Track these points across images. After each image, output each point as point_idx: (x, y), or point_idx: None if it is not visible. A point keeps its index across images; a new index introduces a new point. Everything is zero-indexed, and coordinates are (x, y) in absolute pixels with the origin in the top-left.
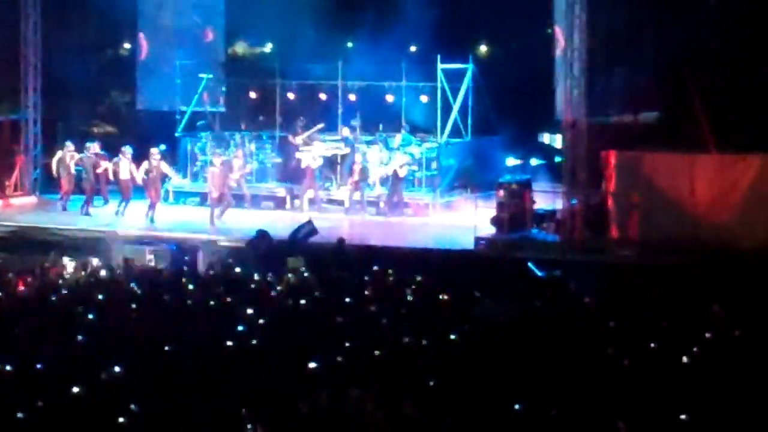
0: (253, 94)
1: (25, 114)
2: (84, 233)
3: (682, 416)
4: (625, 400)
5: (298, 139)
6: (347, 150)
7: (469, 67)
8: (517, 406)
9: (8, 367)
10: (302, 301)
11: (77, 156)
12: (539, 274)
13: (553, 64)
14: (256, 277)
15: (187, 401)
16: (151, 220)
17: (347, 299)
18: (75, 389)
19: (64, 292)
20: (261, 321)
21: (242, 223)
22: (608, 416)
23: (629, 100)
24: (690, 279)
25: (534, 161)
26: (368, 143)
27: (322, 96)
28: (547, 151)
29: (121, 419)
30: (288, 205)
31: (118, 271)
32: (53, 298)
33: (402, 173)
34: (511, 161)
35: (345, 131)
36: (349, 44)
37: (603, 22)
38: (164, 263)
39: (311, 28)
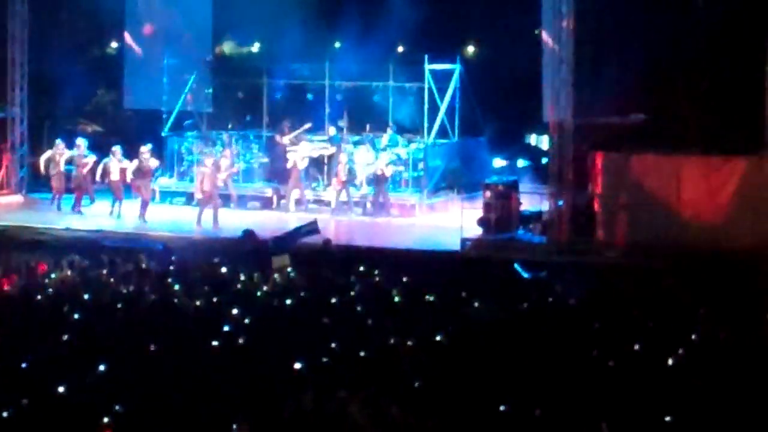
0: (240, 94)
1: (12, 112)
2: (71, 233)
3: (667, 418)
4: (610, 402)
5: (285, 139)
6: (334, 150)
7: (457, 68)
8: (502, 407)
9: None
10: (288, 302)
11: (68, 153)
12: (525, 275)
13: (540, 66)
14: (242, 277)
15: (172, 401)
16: (143, 220)
17: (333, 300)
18: (60, 388)
19: (50, 291)
20: (247, 321)
21: (228, 222)
22: (592, 417)
23: (616, 102)
24: (676, 281)
25: (521, 162)
26: (355, 143)
27: (309, 96)
28: (534, 153)
29: (106, 419)
30: (275, 205)
31: (104, 271)
32: (39, 298)
33: (387, 173)
34: (498, 162)
35: (332, 131)
36: (337, 44)
37: (590, 23)
38: (151, 263)
39: (299, 28)
